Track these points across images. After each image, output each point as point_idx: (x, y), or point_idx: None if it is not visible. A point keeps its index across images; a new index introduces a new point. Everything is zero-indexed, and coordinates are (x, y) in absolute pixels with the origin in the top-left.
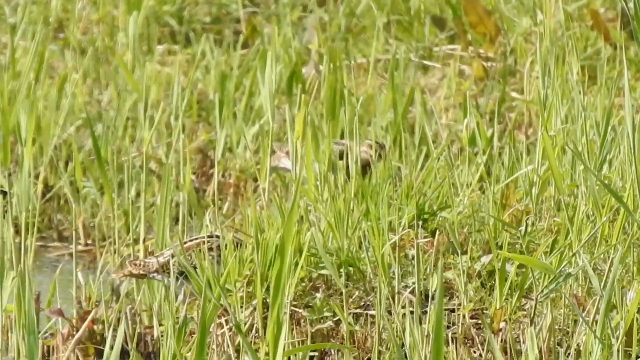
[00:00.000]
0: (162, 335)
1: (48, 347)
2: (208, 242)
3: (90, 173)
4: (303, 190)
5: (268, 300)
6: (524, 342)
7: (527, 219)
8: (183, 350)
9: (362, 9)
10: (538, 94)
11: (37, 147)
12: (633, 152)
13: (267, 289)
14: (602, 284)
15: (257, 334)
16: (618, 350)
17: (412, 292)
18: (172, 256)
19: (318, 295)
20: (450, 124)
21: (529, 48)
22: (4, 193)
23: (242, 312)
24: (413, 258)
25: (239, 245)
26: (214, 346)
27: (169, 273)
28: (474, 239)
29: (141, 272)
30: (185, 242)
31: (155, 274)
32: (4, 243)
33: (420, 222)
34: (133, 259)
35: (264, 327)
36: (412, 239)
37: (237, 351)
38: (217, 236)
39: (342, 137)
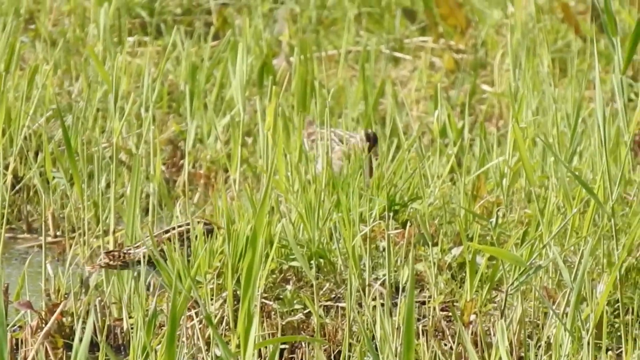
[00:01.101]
0: (131, 328)
1: (17, 340)
2: (184, 230)
3: (60, 164)
4: (274, 180)
5: (238, 292)
6: (494, 335)
7: (498, 210)
8: (153, 342)
9: (333, 0)
10: (509, 86)
11: (7, 138)
12: (603, 144)
13: (238, 280)
14: (573, 276)
15: (227, 327)
16: (588, 343)
17: (382, 284)
18: (137, 248)
19: (289, 287)
20: (421, 116)
21: (500, 40)
22: None
23: (212, 304)
24: (384, 250)
25: (209, 233)
26: (184, 339)
27: (139, 264)
28: (445, 231)
29: (120, 263)
30: (162, 232)
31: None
32: None
33: (391, 214)
34: (110, 250)
35: (235, 320)
36: (383, 230)
37: (208, 344)
38: (188, 224)
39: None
